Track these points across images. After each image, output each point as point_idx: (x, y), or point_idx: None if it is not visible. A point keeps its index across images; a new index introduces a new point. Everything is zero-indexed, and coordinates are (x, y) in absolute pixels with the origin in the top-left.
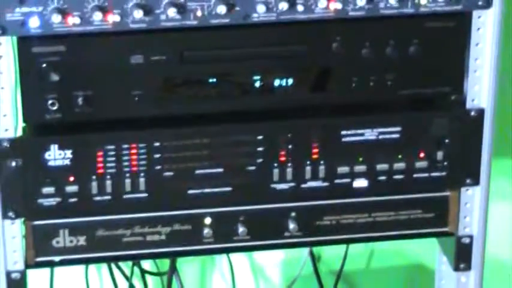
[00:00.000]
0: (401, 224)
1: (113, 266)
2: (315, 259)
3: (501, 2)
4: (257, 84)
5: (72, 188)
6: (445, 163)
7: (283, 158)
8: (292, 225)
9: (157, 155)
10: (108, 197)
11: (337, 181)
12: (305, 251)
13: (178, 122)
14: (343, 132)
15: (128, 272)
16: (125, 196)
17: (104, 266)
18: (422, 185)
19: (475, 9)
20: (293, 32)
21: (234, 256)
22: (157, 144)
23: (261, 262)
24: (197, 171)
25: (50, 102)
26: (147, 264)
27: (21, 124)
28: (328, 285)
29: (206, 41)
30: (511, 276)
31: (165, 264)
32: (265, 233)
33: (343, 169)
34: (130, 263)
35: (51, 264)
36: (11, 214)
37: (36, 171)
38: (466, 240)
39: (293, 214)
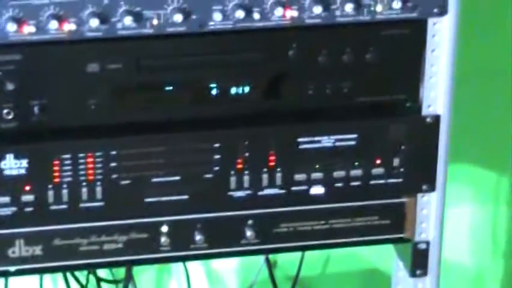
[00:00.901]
0: (358, 231)
1: (68, 274)
2: (270, 265)
3: (456, 9)
4: (214, 91)
5: (28, 197)
6: (402, 169)
7: (240, 166)
8: (249, 233)
9: (114, 164)
10: (64, 206)
11: (294, 188)
12: (261, 257)
13: (134, 130)
14: (300, 140)
15: (83, 281)
16: (82, 205)
17: (59, 275)
18: (378, 192)
19: (430, 17)
20: (249, 40)
21: (190, 263)
22: (113, 152)
23: (217, 268)
24: (154, 179)
25: (5, 111)
26: (102, 273)
27: None
28: None
29: (162, 49)
30: (467, 281)
31: (120, 272)
32: (223, 240)
33: (300, 176)
34: (85, 271)
35: (6, 274)
36: None
37: None
38: (423, 246)
39: (250, 222)
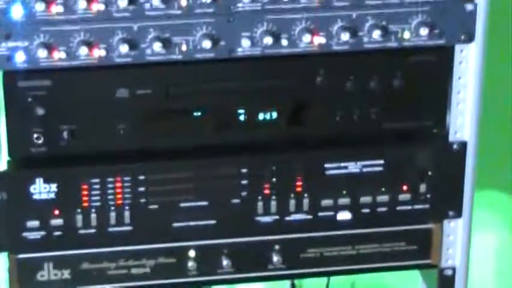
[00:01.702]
0: (384, 256)
1: None
2: None
3: (483, 36)
4: (241, 117)
5: (57, 222)
6: (428, 195)
7: (267, 191)
8: (276, 258)
9: (142, 188)
10: (93, 230)
11: (320, 214)
12: (287, 282)
13: (163, 155)
14: (327, 165)
15: None
16: (110, 229)
17: None
18: (405, 218)
19: (457, 44)
20: (277, 66)
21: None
22: (142, 177)
23: None
24: (182, 204)
25: (35, 136)
26: None
27: (6, 158)
28: None
29: (191, 75)
30: None
31: None
32: (249, 265)
33: (327, 202)
34: None
35: None
36: None
37: (21, 205)
38: (449, 272)
39: (277, 247)
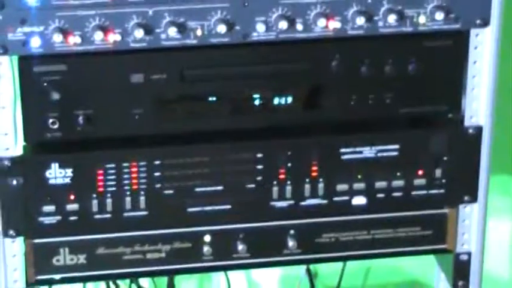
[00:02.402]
0: (400, 241)
1: (111, 283)
2: (312, 276)
3: (498, 20)
4: (256, 102)
5: (72, 207)
6: (443, 180)
7: (282, 176)
8: (291, 243)
9: (158, 173)
10: (108, 215)
11: (336, 199)
12: (302, 267)
13: (178, 140)
14: (342, 150)
15: None
16: (125, 214)
17: (101, 283)
18: (420, 203)
19: (473, 28)
20: (292, 51)
21: (231, 273)
22: (157, 162)
23: (258, 279)
24: (197, 189)
25: (50, 121)
26: (145, 282)
27: (22, 143)
28: None
29: (206, 59)
30: None
31: (162, 281)
32: (265, 250)
33: (342, 187)
34: (128, 280)
35: (51, 282)
36: (11, 232)
37: (37, 190)
38: (464, 257)
39: (292, 231)
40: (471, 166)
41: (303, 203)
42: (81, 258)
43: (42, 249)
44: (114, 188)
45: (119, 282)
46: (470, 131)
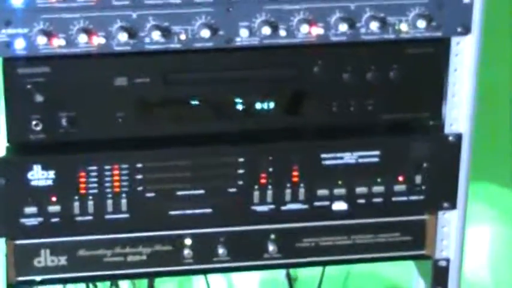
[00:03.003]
0: (380, 247)
1: (91, 285)
2: (291, 280)
3: (479, 28)
4: (239, 107)
5: (54, 208)
6: (423, 187)
7: (263, 181)
8: (271, 247)
9: (139, 176)
10: (90, 217)
11: (316, 203)
12: (282, 272)
13: (160, 143)
14: (323, 156)
15: None
16: (107, 216)
17: (82, 285)
18: (400, 208)
19: (454, 36)
20: (275, 56)
21: (211, 277)
22: (139, 165)
23: (238, 283)
24: (178, 193)
25: (34, 122)
26: (125, 284)
27: (4, 144)
28: None
29: (189, 63)
30: None
31: (143, 284)
32: (245, 254)
33: (322, 192)
34: (108, 282)
35: (32, 284)
36: None
37: (19, 191)
38: (443, 264)
39: (273, 236)
40: (451, 173)
41: (283, 208)
42: (62, 260)
43: (24, 251)
44: (96, 191)
45: (98, 284)
46: (451, 138)
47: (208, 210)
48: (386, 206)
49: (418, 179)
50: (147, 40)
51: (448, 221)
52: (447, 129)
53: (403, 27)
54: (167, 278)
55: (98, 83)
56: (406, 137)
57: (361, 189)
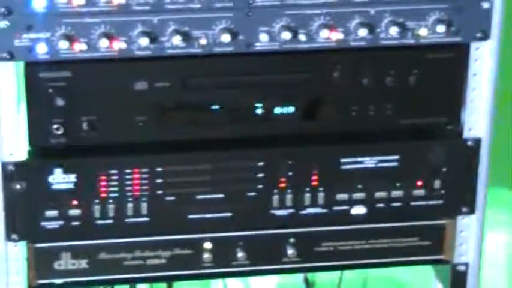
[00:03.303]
0: (398, 251)
1: None
2: (309, 285)
3: (498, 33)
4: (258, 111)
5: (75, 212)
6: (442, 192)
7: (283, 185)
8: (290, 251)
9: (159, 180)
10: (110, 221)
11: (335, 208)
12: (300, 276)
13: (180, 147)
14: (343, 160)
15: None
16: (127, 220)
17: None
18: (419, 213)
19: (473, 41)
20: (295, 61)
21: (229, 280)
22: (159, 169)
23: (256, 287)
24: (198, 196)
25: (55, 126)
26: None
27: (26, 148)
28: None
29: (209, 68)
30: None
31: (161, 287)
32: (264, 258)
33: (341, 196)
34: (127, 286)
35: (52, 287)
36: (14, 236)
37: (40, 195)
38: (462, 268)
39: (292, 240)
40: (469, 178)
41: (302, 212)
42: (83, 263)
43: (44, 254)
44: (116, 194)
45: (118, 287)
46: (469, 143)
47: (228, 214)
48: (405, 211)
49: (437, 183)
50: (167, 45)
51: (466, 225)
52: (466, 134)
53: (423, 32)
54: (186, 281)
55: (119, 87)
56: (425, 142)
57: (380, 194)
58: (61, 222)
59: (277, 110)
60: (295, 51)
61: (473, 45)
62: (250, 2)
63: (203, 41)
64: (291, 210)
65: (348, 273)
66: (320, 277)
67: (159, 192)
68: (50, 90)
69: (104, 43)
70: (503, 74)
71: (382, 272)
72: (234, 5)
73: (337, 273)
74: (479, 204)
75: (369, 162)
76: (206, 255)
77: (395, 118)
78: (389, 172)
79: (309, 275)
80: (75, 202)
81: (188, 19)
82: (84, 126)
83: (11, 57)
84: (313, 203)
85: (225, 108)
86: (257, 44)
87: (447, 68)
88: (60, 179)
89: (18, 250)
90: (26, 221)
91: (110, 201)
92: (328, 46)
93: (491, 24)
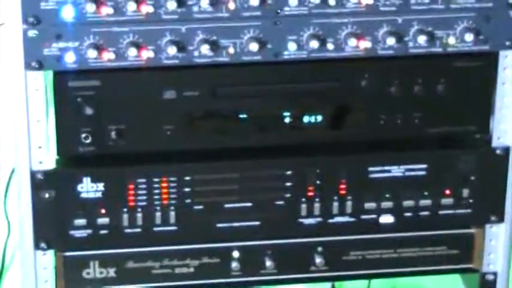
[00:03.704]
0: (426, 260)
1: None
2: None
3: None
4: (287, 120)
5: (103, 220)
6: (470, 200)
7: (311, 193)
8: (318, 260)
9: (188, 189)
10: (138, 230)
11: (363, 217)
12: (328, 285)
13: (208, 156)
14: (371, 169)
15: None
16: (155, 229)
17: None
18: (447, 222)
19: (502, 50)
20: (323, 70)
21: None
22: (187, 178)
23: None
24: (226, 205)
25: (83, 135)
26: None
27: (54, 156)
28: None
29: (238, 77)
30: None
31: None
32: (292, 266)
33: (369, 205)
34: None
35: None
36: (43, 245)
37: (69, 203)
38: (490, 277)
39: (320, 249)
40: (498, 186)
41: (330, 221)
42: (111, 272)
43: (73, 262)
44: (144, 203)
45: None
46: (498, 151)
47: (256, 223)
48: (433, 220)
49: (465, 192)
50: (195, 54)
51: (495, 234)
52: (495, 143)
53: (451, 40)
54: None
55: (147, 96)
56: (454, 151)
57: (408, 203)
58: (89, 231)
59: (305, 119)
60: (323, 59)
61: (502, 54)
62: (278, 11)
63: (231, 50)
64: (319, 219)
65: (376, 282)
66: (348, 285)
67: (187, 200)
68: (78, 99)
69: (132, 52)
70: None
71: (411, 281)
72: (262, 14)
73: (365, 281)
74: (508, 213)
75: (396, 171)
76: (234, 264)
77: (424, 127)
78: (418, 181)
79: (337, 283)
80: (103, 211)
81: (216, 28)
82: (113, 135)
83: (40, 66)
84: (341, 212)
85: (253, 117)
86: (285, 52)
87: (475, 76)
88: (89, 188)
89: (47, 259)
90: (55, 229)
91: (138, 209)
92: (356, 55)
93: None
